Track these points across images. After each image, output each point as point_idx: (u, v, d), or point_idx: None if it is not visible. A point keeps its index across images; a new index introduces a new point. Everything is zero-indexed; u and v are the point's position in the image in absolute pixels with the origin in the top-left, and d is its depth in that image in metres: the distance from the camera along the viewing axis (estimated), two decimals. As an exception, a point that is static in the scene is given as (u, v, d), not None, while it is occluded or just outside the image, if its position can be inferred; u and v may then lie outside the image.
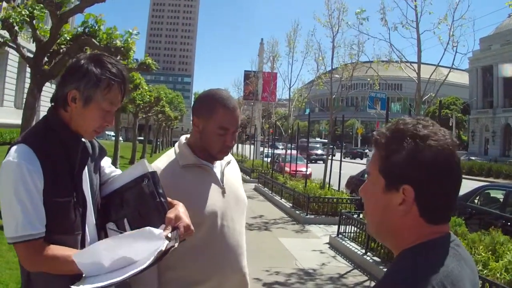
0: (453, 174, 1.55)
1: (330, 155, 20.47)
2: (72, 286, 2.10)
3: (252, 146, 45.86)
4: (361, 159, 77.77)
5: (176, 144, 3.14)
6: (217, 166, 3.10)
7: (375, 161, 1.63)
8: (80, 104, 2.37)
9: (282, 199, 20.76)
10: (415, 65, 14.26)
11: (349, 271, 10.59)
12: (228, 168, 3.18)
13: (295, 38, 28.77)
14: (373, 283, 9.72)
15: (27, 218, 2.19)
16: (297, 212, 17.67)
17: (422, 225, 1.55)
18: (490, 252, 8.29)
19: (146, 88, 36.62)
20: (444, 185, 1.54)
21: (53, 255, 2.22)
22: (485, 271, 7.71)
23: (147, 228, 2.26)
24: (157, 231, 2.25)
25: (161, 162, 3.00)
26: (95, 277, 2.19)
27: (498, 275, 7.51)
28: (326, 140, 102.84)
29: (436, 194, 1.53)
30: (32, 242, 2.20)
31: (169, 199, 2.49)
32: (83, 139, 2.50)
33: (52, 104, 2.48)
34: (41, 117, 2.51)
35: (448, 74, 13.77)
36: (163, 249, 2.15)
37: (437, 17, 14.15)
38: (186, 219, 2.38)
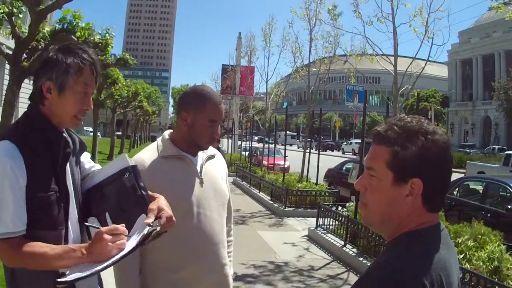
0: (449, 166, 1.72)
1: (308, 148, 20.55)
2: (57, 280, 2.11)
3: (230, 140, 45.79)
4: (332, 151, 78.24)
5: (159, 138, 3.30)
6: (198, 159, 3.23)
7: (381, 156, 1.72)
8: (55, 93, 2.39)
9: (261, 193, 20.78)
10: (392, 58, 14.33)
11: (328, 263, 10.61)
12: (210, 162, 3.32)
13: (271, 32, 28.86)
14: (352, 275, 9.78)
15: (9, 216, 2.19)
16: (276, 205, 17.68)
17: (423, 213, 1.69)
18: (473, 243, 8.39)
19: (124, 83, 36.47)
20: (444, 176, 1.70)
21: (32, 252, 2.21)
22: (464, 262, 7.78)
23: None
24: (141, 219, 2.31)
25: (143, 153, 3.18)
26: (79, 268, 2.19)
27: (481, 263, 7.60)
28: (295, 133, 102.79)
29: (439, 186, 1.70)
30: (11, 240, 2.20)
31: (150, 192, 2.52)
32: (64, 134, 2.51)
33: (30, 102, 2.48)
34: (20, 113, 2.53)
35: (424, 66, 13.81)
36: (145, 233, 2.19)
37: (413, 10, 14.20)
38: (168, 210, 2.42)
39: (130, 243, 2.20)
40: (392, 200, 1.69)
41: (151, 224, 2.26)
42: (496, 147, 67.63)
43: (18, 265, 2.28)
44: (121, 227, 2.24)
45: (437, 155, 1.66)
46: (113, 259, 2.15)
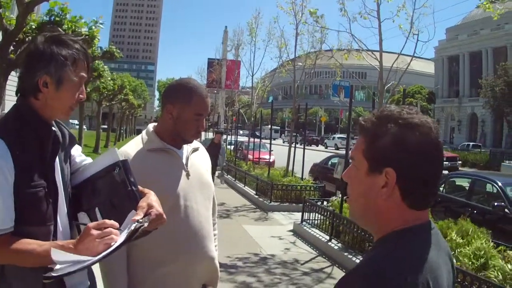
0: (435, 160, 1.60)
1: (294, 143, 20.59)
2: (44, 275, 2.09)
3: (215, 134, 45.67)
4: (317, 145, 78.33)
5: (144, 131, 3.28)
6: (183, 152, 3.23)
7: (360, 145, 1.68)
8: (52, 88, 2.35)
9: (246, 187, 20.80)
10: (378, 54, 14.37)
11: (314, 258, 10.64)
12: (194, 154, 3.32)
13: (257, 26, 28.82)
14: (336, 269, 9.82)
15: None
16: (261, 199, 17.70)
17: (404, 209, 1.60)
18: (461, 240, 8.43)
19: (110, 76, 36.34)
20: (425, 170, 1.58)
21: (20, 249, 2.19)
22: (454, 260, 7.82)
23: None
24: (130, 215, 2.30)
25: (128, 146, 3.15)
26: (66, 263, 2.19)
27: (467, 260, 7.62)
28: (278, 127, 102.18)
29: (418, 179, 1.58)
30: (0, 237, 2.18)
31: (140, 187, 2.49)
32: (53, 128, 2.47)
33: (19, 95, 2.44)
34: (7, 105, 2.51)
35: (410, 62, 13.84)
36: (132, 229, 2.17)
37: (397, 5, 14.27)
38: (158, 207, 2.39)
39: (118, 239, 2.19)
40: (367, 190, 1.64)
41: (140, 220, 2.24)
42: (471, 143, 68.74)
43: (6, 262, 2.25)
44: (110, 222, 2.23)
45: (415, 145, 1.56)
46: (100, 255, 2.14)
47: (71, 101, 2.45)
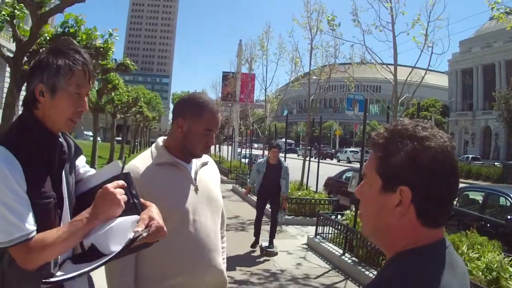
0: (451, 178, 1.55)
1: (308, 156, 20.56)
2: (44, 280, 2.12)
3: (230, 147, 45.78)
4: (331, 159, 78.32)
5: (153, 145, 3.31)
6: (192, 166, 3.25)
7: (372, 162, 1.63)
8: (48, 96, 2.36)
9: (260, 200, 20.58)
10: (392, 67, 14.35)
11: (327, 272, 10.59)
12: (203, 169, 3.34)
13: (267, 40, 28.94)
14: (349, 283, 9.77)
15: (18, 219, 2.16)
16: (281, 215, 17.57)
17: (418, 227, 1.55)
18: (472, 253, 8.38)
19: (125, 88, 36.54)
20: (441, 187, 1.53)
21: (47, 244, 2.18)
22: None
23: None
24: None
25: (137, 161, 3.19)
26: (67, 269, 2.23)
27: (480, 274, 7.58)
28: (292, 141, 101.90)
29: (433, 197, 1.52)
30: (26, 242, 2.16)
31: (142, 200, 2.50)
32: (60, 139, 2.49)
33: (23, 106, 2.46)
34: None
35: (424, 75, 13.84)
36: (131, 237, 2.18)
37: (412, 18, 14.26)
38: (159, 219, 2.40)
39: (117, 247, 2.21)
40: (380, 208, 1.59)
41: (139, 230, 2.25)
42: (470, 156, 69.47)
43: (40, 262, 2.22)
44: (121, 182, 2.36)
45: (430, 162, 1.50)
46: (99, 263, 2.17)
47: (68, 112, 2.43)
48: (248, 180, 16.27)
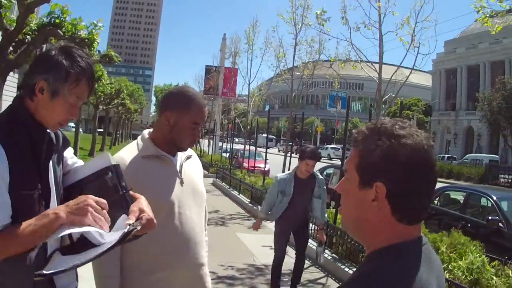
0: (427, 176, 1.59)
1: (289, 152, 20.59)
2: (36, 273, 2.09)
3: (211, 141, 45.71)
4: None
5: (139, 137, 3.33)
6: (177, 159, 3.27)
7: (352, 158, 1.67)
8: (47, 96, 2.35)
9: (240, 195, 20.81)
10: (377, 65, 14.40)
11: (307, 268, 10.49)
12: (188, 162, 3.38)
13: (254, 35, 28.91)
14: (330, 280, 9.84)
15: None
16: (255, 208, 17.39)
17: (394, 224, 1.58)
18: (453, 252, 8.44)
19: (108, 80, 36.34)
20: (417, 185, 1.56)
21: (16, 235, 2.15)
22: (445, 272, 7.79)
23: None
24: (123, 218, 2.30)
25: (123, 152, 3.20)
26: (58, 261, 2.23)
27: (460, 274, 7.61)
28: (273, 137, 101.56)
29: (408, 194, 1.56)
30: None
31: (131, 192, 2.49)
32: (48, 130, 2.48)
33: (18, 92, 2.45)
34: (4, 105, 2.50)
35: (409, 75, 13.95)
36: (125, 231, 2.17)
37: (401, 19, 14.30)
38: (149, 212, 2.39)
39: (109, 241, 2.19)
40: (358, 203, 1.64)
41: (132, 224, 2.24)
42: (446, 155, 70.88)
43: (13, 253, 2.20)
44: (106, 205, 2.25)
45: (405, 160, 1.53)
46: (92, 256, 2.15)
47: (60, 116, 2.44)
48: (260, 207, 10.61)
